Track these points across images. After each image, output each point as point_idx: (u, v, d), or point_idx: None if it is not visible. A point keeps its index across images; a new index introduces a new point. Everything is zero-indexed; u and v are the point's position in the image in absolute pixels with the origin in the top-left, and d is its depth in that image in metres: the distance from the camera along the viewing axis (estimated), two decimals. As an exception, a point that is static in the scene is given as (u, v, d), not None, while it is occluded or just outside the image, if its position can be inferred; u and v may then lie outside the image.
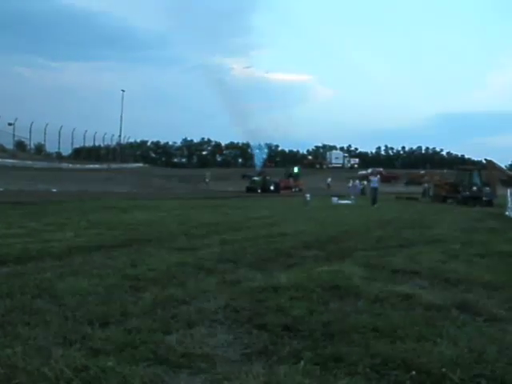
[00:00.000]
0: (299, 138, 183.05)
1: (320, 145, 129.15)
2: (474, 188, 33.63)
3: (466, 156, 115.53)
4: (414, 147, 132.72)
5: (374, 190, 29.28)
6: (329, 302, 4.56)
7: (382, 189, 47.58)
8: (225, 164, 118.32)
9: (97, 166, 69.56)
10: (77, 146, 79.04)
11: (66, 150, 77.74)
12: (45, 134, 68.92)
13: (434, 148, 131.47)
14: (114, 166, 73.56)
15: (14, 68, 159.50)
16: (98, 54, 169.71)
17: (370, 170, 78.27)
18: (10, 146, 66.77)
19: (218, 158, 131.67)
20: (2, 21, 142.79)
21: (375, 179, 30.48)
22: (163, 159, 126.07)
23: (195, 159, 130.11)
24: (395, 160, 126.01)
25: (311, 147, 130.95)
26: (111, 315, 3.95)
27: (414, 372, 2.97)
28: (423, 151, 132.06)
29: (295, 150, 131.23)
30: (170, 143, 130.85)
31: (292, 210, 21.14)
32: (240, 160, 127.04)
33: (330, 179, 66.80)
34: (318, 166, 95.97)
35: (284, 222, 14.02)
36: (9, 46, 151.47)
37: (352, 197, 36.24)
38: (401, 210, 23.36)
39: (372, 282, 5.57)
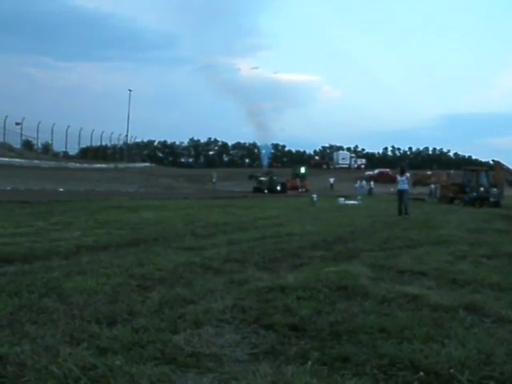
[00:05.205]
0: (306, 138, 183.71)
1: (327, 145, 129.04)
2: (482, 189, 33.50)
3: (474, 157, 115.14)
4: (421, 148, 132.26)
5: (402, 193, 19.74)
6: (336, 303, 4.56)
7: (388, 189, 47.56)
8: (232, 164, 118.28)
9: (104, 165, 69.69)
10: (84, 145, 79.14)
11: (73, 150, 77.94)
12: (52, 133, 69.13)
13: (441, 149, 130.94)
14: (120, 165, 73.68)
15: (22, 68, 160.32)
16: (105, 55, 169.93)
17: (376, 171, 78.09)
18: (17, 145, 67.00)
19: (225, 158, 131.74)
20: (10, 21, 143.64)
21: (402, 178, 20.26)
22: (170, 159, 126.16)
23: (202, 159, 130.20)
24: (402, 161, 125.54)
25: (318, 147, 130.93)
26: (119, 314, 3.97)
27: (421, 373, 2.96)
28: (430, 152, 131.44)
29: (302, 150, 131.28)
30: (177, 143, 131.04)
31: (299, 211, 21.12)
32: (247, 160, 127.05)
33: (332, 179, 66.55)
34: (324, 166, 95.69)
35: (291, 223, 14.00)
36: (17, 47, 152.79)
37: (359, 197, 36.19)
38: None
39: (379, 282, 5.56)
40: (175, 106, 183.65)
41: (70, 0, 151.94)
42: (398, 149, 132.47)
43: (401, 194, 19.75)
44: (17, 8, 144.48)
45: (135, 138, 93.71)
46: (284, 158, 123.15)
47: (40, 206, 16.67)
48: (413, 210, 19.21)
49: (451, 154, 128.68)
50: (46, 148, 76.12)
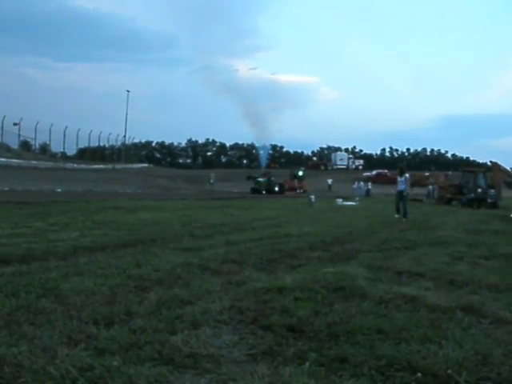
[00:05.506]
0: (304, 139, 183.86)
1: (325, 146, 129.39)
2: (479, 190, 33.51)
3: (471, 158, 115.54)
4: (419, 149, 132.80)
5: (401, 194, 18.96)
6: (334, 303, 4.56)
7: (386, 190, 47.56)
8: (229, 165, 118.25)
9: (101, 166, 69.59)
10: (82, 146, 78.89)
11: (71, 150, 77.68)
12: (50, 134, 68.85)
13: (438, 150, 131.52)
14: (118, 166, 73.61)
15: (20, 69, 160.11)
16: (104, 55, 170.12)
17: (374, 172, 78.15)
18: (15, 145, 66.82)
19: (223, 159, 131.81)
20: (9, 22, 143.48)
21: (402, 179, 19.37)
22: (168, 160, 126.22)
23: (200, 160, 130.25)
24: (400, 162, 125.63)
25: (316, 148, 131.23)
26: (116, 315, 3.96)
27: (419, 374, 2.97)
28: (428, 153, 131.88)
29: (300, 151, 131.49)
30: (175, 144, 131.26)
31: (297, 211, 21.12)
32: (245, 161, 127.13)
33: (330, 180, 66.49)
34: (322, 167, 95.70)
35: (289, 223, 14.00)
36: (16, 47, 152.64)
37: (357, 198, 36.21)
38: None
39: (377, 283, 5.57)
40: (173, 107, 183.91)
41: (70, 0, 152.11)
42: (396, 150, 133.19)
43: (400, 194, 19.07)
44: (16, 8, 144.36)
45: (133, 138, 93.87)
46: (282, 158, 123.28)
47: (38, 207, 16.63)
48: (411, 210, 19.14)
49: (449, 155, 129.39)
50: (44, 148, 75.90)
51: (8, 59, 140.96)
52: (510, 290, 5.46)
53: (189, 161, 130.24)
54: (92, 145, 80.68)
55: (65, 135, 70.71)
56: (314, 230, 11.97)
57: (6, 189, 30.52)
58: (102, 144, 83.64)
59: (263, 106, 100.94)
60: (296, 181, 58.37)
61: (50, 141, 72.58)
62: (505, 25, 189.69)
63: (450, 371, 2.99)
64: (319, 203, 27.18)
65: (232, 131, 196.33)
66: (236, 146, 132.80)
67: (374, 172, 78.74)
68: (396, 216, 18.21)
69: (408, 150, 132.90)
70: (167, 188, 53.24)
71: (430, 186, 45.45)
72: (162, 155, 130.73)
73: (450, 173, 61.77)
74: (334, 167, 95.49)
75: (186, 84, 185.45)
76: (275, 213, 19.02)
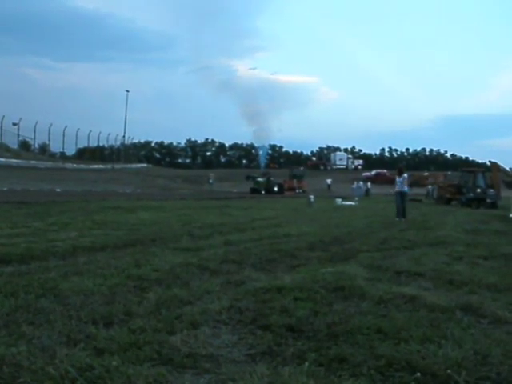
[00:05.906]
0: (303, 138, 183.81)
1: (324, 146, 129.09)
2: (478, 190, 33.50)
3: (471, 158, 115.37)
4: (418, 149, 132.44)
5: (401, 195, 18.41)
6: (333, 303, 4.57)
7: (385, 190, 47.60)
8: (229, 165, 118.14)
9: (101, 166, 69.58)
10: (81, 146, 78.83)
11: (70, 150, 77.53)
12: (49, 134, 68.77)
13: (438, 150, 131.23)
14: (117, 166, 73.58)
15: (19, 69, 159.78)
16: (103, 56, 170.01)
17: (373, 172, 78.15)
18: (14, 145, 66.76)
19: (222, 159, 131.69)
20: (9, 22, 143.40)
21: (400, 179, 18.77)
22: (167, 160, 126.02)
23: (199, 160, 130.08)
24: (399, 162, 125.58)
25: (315, 148, 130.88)
26: (115, 315, 3.96)
27: (418, 374, 2.97)
28: (427, 153, 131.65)
29: (299, 151, 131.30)
30: (174, 144, 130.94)
31: (296, 211, 21.12)
32: (244, 161, 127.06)
33: (329, 180, 66.47)
34: (321, 167, 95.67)
35: (288, 223, 14.00)
36: (15, 47, 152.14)
37: (356, 198, 36.20)
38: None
39: (376, 283, 5.57)
40: (173, 107, 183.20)
41: (70, 1, 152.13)
42: (396, 150, 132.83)
43: (399, 195, 18.45)
44: (16, 8, 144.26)
45: (132, 138, 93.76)
46: (281, 158, 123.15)
47: (37, 207, 16.62)
48: (410, 210, 19.12)
49: (448, 155, 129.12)
50: (43, 148, 75.77)
51: (8, 59, 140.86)
52: (509, 290, 5.46)
53: (188, 161, 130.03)
54: (91, 145, 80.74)
55: (64, 135, 70.71)
56: (314, 230, 11.97)
57: (5, 189, 30.53)
58: (101, 144, 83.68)
59: (263, 106, 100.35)
60: (295, 181, 58.41)
61: (49, 141, 72.52)
62: (505, 26, 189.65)
63: (449, 371, 2.99)
64: (318, 203, 27.18)
65: (231, 131, 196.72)
66: (235, 146, 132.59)
67: (374, 172, 78.75)
68: (396, 219, 17.62)
69: (407, 149, 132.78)
70: (166, 188, 53.26)
71: (430, 186, 45.54)
72: (161, 155, 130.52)
73: (449, 173, 61.93)
74: (334, 167, 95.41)
75: (186, 84, 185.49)
76: (274, 213, 19.02)
